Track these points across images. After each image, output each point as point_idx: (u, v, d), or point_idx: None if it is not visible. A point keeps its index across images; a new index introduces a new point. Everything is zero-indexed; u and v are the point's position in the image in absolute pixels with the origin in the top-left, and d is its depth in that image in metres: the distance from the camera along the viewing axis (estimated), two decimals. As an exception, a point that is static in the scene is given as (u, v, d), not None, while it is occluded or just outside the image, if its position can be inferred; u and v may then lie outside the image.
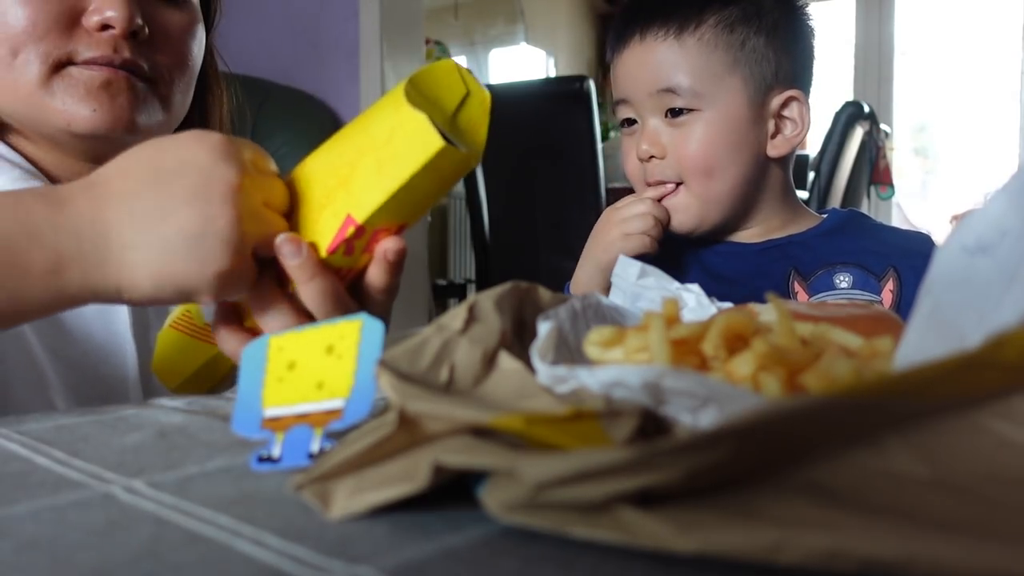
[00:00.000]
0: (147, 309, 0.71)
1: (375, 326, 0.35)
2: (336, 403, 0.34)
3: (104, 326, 0.68)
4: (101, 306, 0.68)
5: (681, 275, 0.89)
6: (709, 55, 0.85)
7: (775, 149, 0.87)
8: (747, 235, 0.91)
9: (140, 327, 0.70)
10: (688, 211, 0.87)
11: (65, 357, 0.66)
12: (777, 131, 0.87)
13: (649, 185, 0.88)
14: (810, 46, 0.90)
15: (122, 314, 0.69)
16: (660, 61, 0.86)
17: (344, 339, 0.36)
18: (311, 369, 0.36)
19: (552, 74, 4.87)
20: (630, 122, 0.91)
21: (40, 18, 0.64)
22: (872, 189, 3.29)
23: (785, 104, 0.87)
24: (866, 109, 2.99)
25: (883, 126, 3.26)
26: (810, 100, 0.89)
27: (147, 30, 0.68)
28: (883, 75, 4.41)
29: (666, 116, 0.86)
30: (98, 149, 0.70)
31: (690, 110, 0.85)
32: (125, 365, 0.69)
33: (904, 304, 0.82)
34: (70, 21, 0.65)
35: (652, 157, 0.87)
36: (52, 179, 0.71)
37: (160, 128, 0.72)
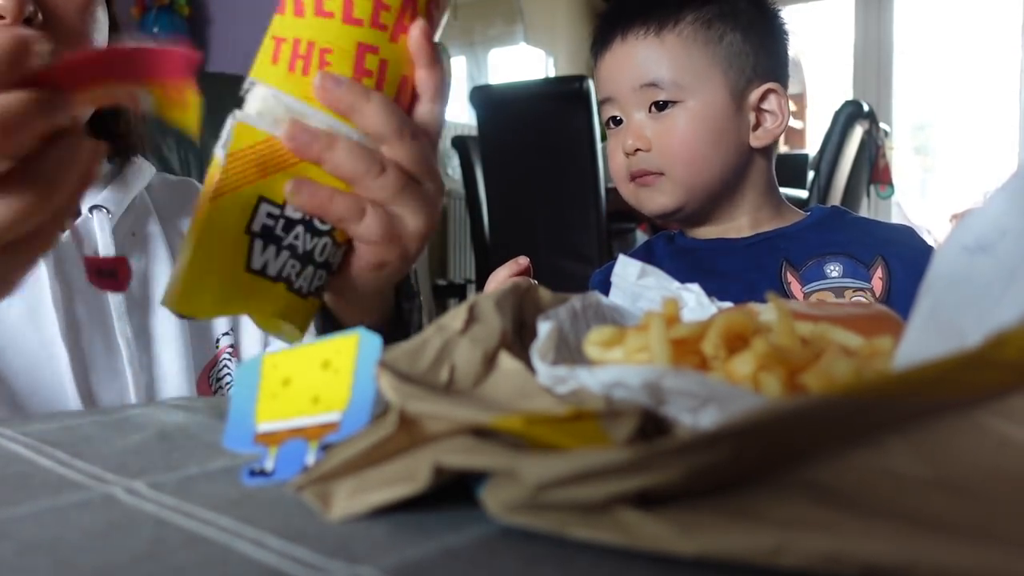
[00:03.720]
0: (76, 309, 0.69)
1: (373, 340, 0.35)
2: (332, 416, 0.34)
3: (34, 334, 0.66)
4: (30, 312, 0.66)
5: (673, 275, 0.92)
6: (689, 49, 0.88)
7: (757, 140, 0.91)
8: (736, 228, 0.93)
9: (71, 331, 0.68)
10: (673, 194, 0.90)
11: None
12: (758, 123, 0.91)
13: (633, 176, 0.91)
14: (785, 46, 0.95)
15: (51, 320, 0.67)
16: (642, 58, 0.89)
17: (341, 354, 0.35)
18: (306, 384, 0.35)
19: (551, 74, 4.87)
20: (616, 121, 0.94)
21: None
22: (872, 188, 3.29)
23: (764, 97, 0.90)
24: (865, 108, 2.99)
25: (882, 125, 3.27)
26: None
27: (40, 15, 0.63)
28: (882, 74, 4.42)
29: (650, 110, 0.89)
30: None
31: (674, 103, 0.88)
32: (60, 372, 0.66)
33: (894, 291, 0.84)
34: None
35: (638, 150, 0.90)
36: None
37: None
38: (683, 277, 0.90)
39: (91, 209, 0.72)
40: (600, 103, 0.96)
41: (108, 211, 0.73)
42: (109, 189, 0.75)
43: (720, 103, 0.88)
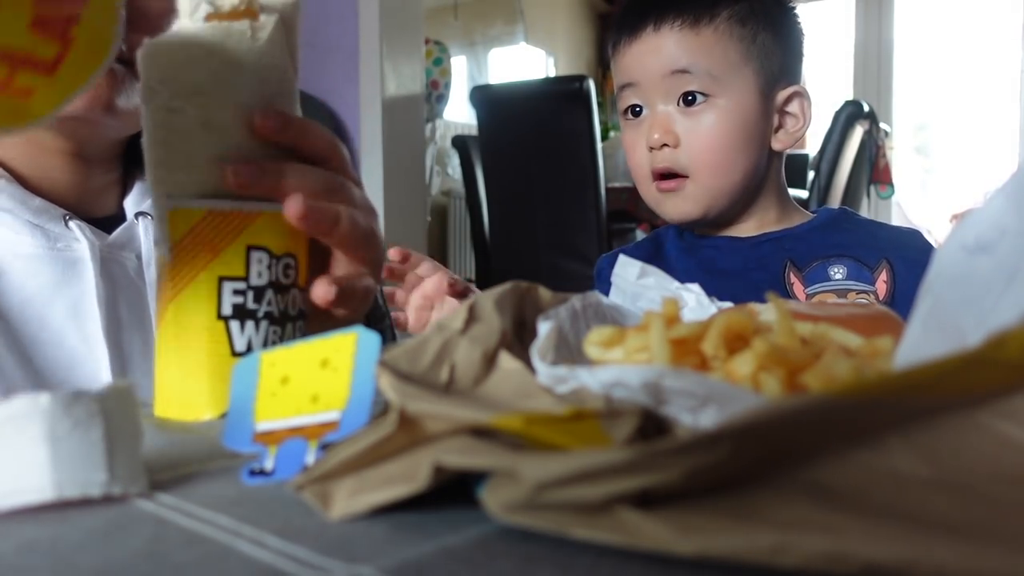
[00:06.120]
0: (119, 308, 0.70)
1: (371, 339, 0.35)
2: (332, 415, 0.34)
3: (77, 331, 0.67)
4: (74, 309, 0.67)
5: (677, 273, 0.90)
6: (724, 44, 0.86)
7: (778, 143, 0.89)
8: (743, 228, 0.92)
9: (113, 330, 0.68)
10: (697, 201, 0.88)
11: (35, 367, 0.64)
12: (780, 125, 0.89)
13: (655, 175, 0.89)
14: (802, 47, 0.93)
15: (94, 317, 0.67)
16: (676, 46, 0.87)
17: (339, 352, 0.35)
18: (305, 383, 0.35)
19: (552, 74, 4.87)
20: (635, 112, 0.90)
21: None
22: (872, 188, 3.30)
23: (789, 100, 0.89)
24: (866, 108, 2.99)
25: (883, 125, 3.27)
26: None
27: (124, 11, 0.68)
28: (883, 74, 4.42)
29: (679, 104, 0.87)
30: (77, 131, 0.70)
31: (704, 97, 0.86)
32: (98, 370, 0.67)
33: (898, 295, 0.83)
34: None
35: (664, 145, 0.87)
36: (20, 179, 0.70)
37: (138, 111, 0.71)
38: (687, 273, 0.88)
39: (137, 215, 0.74)
40: (620, 88, 0.92)
41: (152, 218, 0.74)
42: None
43: (750, 102, 0.86)
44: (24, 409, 0.31)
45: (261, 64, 0.47)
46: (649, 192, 0.91)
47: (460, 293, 0.84)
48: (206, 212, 0.46)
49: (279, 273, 0.47)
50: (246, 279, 0.46)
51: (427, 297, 0.84)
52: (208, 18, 0.46)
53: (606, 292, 0.96)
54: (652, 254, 0.94)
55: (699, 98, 0.86)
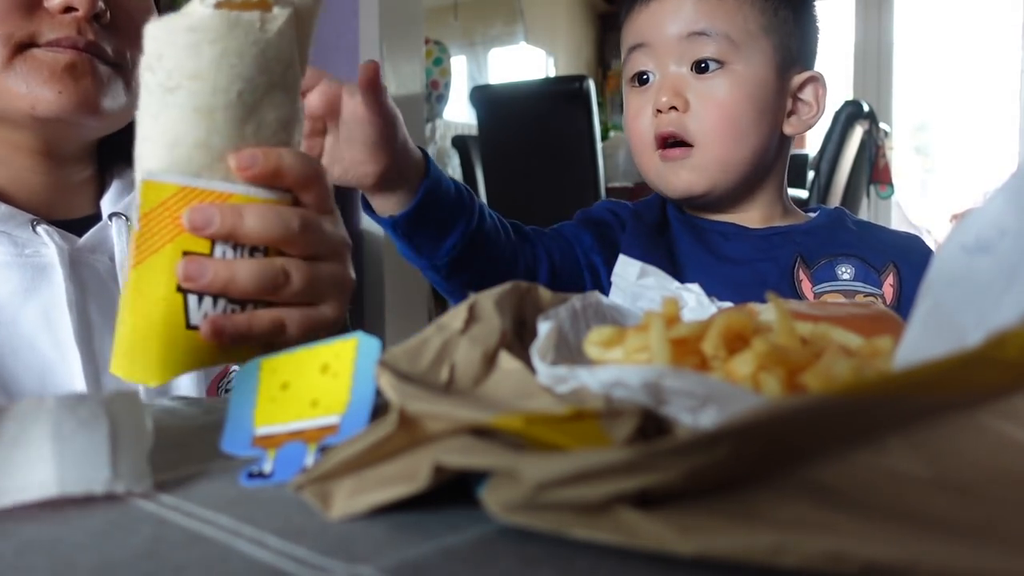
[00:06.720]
0: (90, 313, 0.68)
1: (371, 344, 0.35)
2: (331, 419, 0.34)
3: (48, 336, 0.66)
4: (45, 315, 0.66)
5: (682, 253, 0.88)
6: (746, 12, 0.83)
7: (790, 127, 0.87)
8: (748, 218, 0.89)
9: (85, 333, 0.67)
10: (704, 172, 0.84)
11: (6, 375, 0.64)
12: (793, 111, 0.87)
13: (660, 139, 0.84)
14: (818, 40, 0.91)
15: (65, 322, 0.66)
16: (695, 8, 0.83)
17: (339, 358, 0.35)
18: (305, 388, 0.35)
19: (552, 74, 4.88)
20: (643, 80, 0.87)
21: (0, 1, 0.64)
22: (872, 188, 3.30)
23: (803, 85, 0.87)
24: (865, 108, 2.99)
25: (882, 125, 3.27)
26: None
27: (109, 14, 0.67)
28: (883, 74, 4.42)
29: (692, 70, 0.83)
30: (61, 134, 0.69)
31: (719, 64, 0.82)
32: (71, 376, 0.66)
33: (904, 299, 0.81)
34: (31, 3, 0.65)
35: (673, 109, 0.83)
36: None
37: (123, 112, 0.70)
38: (693, 255, 0.85)
39: (111, 216, 0.73)
40: (629, 49, 0.87)
41: (127, 219, 0.73)
42: (131, 198, 0.75)
43: (766, 75, 0.83)
44: (30, 410, 0.31)
45: (265, 56, 0.47)
46: (651, 163, 0.86)
47: (375, 96, 0.68)
48: (178, 188, 0.46)
49: (245, 254, 0.47)
50: (209, 256, 0.46)
51: (315, 118, 0.69)
52: (219, 5, 0.46)
53: (595, 220, 0.91)
54: (658, 221, 0.90)
55: (712, 66, 0.82)
